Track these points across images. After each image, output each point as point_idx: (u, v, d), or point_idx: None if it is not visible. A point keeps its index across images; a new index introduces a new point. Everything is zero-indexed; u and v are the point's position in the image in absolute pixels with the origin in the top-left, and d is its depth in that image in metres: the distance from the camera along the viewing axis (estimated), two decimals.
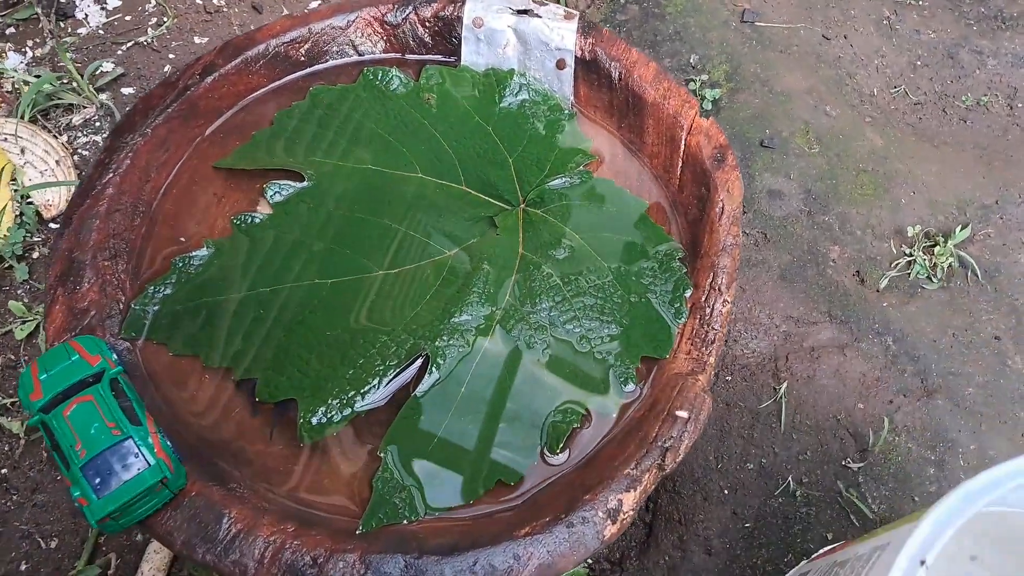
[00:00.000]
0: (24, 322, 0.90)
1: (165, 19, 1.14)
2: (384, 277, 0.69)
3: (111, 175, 0.69)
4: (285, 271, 0.68)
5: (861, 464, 0.85)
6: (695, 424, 0.62)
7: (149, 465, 0.54)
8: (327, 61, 0.80)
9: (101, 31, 1.13)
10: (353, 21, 0.79)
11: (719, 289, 0.69)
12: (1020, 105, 1.14)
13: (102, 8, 1.15)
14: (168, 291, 0.67)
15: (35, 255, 0.95)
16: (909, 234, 0.99)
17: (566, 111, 0.80)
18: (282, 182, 0.72)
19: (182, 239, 0.70)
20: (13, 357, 0.90)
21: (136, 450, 0.54)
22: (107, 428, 0.55)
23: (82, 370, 0.57)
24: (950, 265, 0.97)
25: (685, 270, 0.70)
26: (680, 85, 0.76)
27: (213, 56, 0.75)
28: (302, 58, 0.79)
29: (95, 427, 0.54)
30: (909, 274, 0.97)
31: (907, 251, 0.98)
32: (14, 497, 0.84)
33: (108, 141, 0.70)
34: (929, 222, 1.01)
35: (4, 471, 0.85)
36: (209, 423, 0.63)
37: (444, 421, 0.63)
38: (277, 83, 0.79)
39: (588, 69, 0.79)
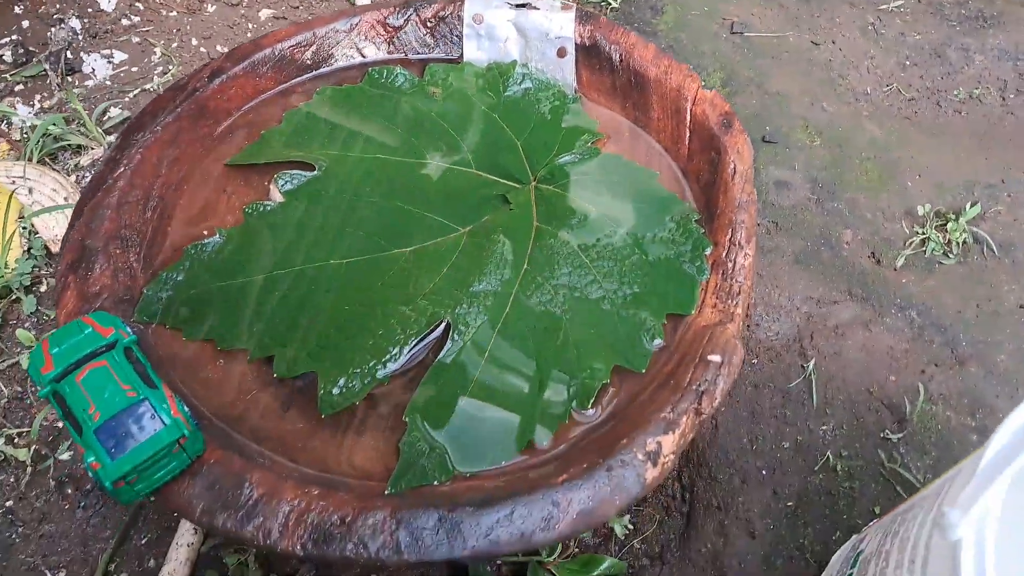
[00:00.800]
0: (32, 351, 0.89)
1: (171, 67, 1.17)
2: (399, 255, 0.68)
3: (122, 169, 0.69)
4: (298, 254, 0.68)
5: (900, 435, 0.82)
6: (728, 368, 0.60)
7: (165, 424, 0.51)
8: (332, 64, 0.82)
9: (108, 82, 1.16)
10: (356, 24, 0.81)
11: (739, 244, 0.68)
12: (1012, 96, 1.15)
13: (108, 61, 1.17)
14: (181, 277, 0.66)
15: (43, 288, 0.94)
16: (920, 214, 0.98)
17: (570, 95, 0.81)
18: (293, 171, 0.73)
19: (200, 231, 0.70)
20: (20, 388, 0.88)
21: (152, 411, 0.52)
22: (122, 390, 0.53)
23: (95, 342, 0.56)
24: (964, 241, 0.96)
25: (703, 230, 0.70)
26: (680, 62, 0.78)
27: (221, 61, 0.76)
28: (308, 61, 0.81)
29: (109, 390, 0.53)
30: (924, 251, 0.96)
31: (919, 230, 0.98)
32: (19, 529, 0.80)
33: (119, 139, 0.71)
34: (938, 202, 1.01)
35: (9, 503, 0.82)
36: (226, 402, 0.61)
37: (468, 385, 0.61)
38: (284, 85, 0.80)
39: (589, 54, 0.80)
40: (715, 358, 0.60)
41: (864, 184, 1.01)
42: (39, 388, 0.55)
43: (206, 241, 0.68)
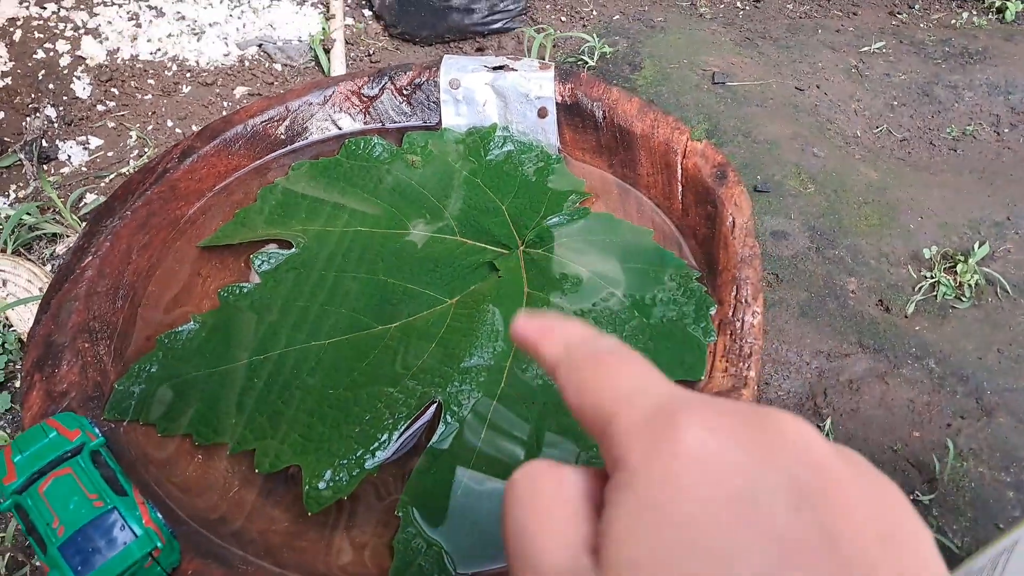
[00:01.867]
0: None
1: (147, 149, 1.15)
2: (384, 331, 0.64)
3: (90, 258, 0.65)
4: (278, 336, 0.64)
5: (932, 496, 0.77)
6: None
7: (137, 536, 0.47)
8: (308, 137, 0.79)
9: (84, 168, 1.13)
10: (330, 96, 0.79)
11: (745, 301, 0.64)
12: (1007, 131, 1.13)
13: (84, 148, 1.16)
14: (154, 369, 0.62)
15: (18, 383, 0.90)
16: (927, 256, 0.95)
17: (553, 156, 0.78)
18: (270, 250, 0.69)
19: (175, 318, 0.66)
20: None
21: (121, 522, 0.47)
22: (88, 500, 0.48)
23: (60, 446, 0.52)
24: (977, 283, 0.92)
25: (705, 289, 0.66)
26: (667, 114, 0.75)
27: (191, 140, 0.74)
28: (282, 136, 0.78)
29: (75, 501, 0.48)
30: (935, 296, 0.92)
31: (928, 274, 0.94)
32: None
33: (87, 226, 0.68)
34: (944, 244, 0.97)
35: None
36: (205, 505, 0.56)
37: (466, 471, 0.57)
38: (258, 162, 0.77)
39: (571, 113, 0.78)
40: None
41: (865, 229, 0.98)
42: (1, 500, 0.51)
43: (180, 329, 0.64)
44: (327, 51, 1.24)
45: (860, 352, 0.88)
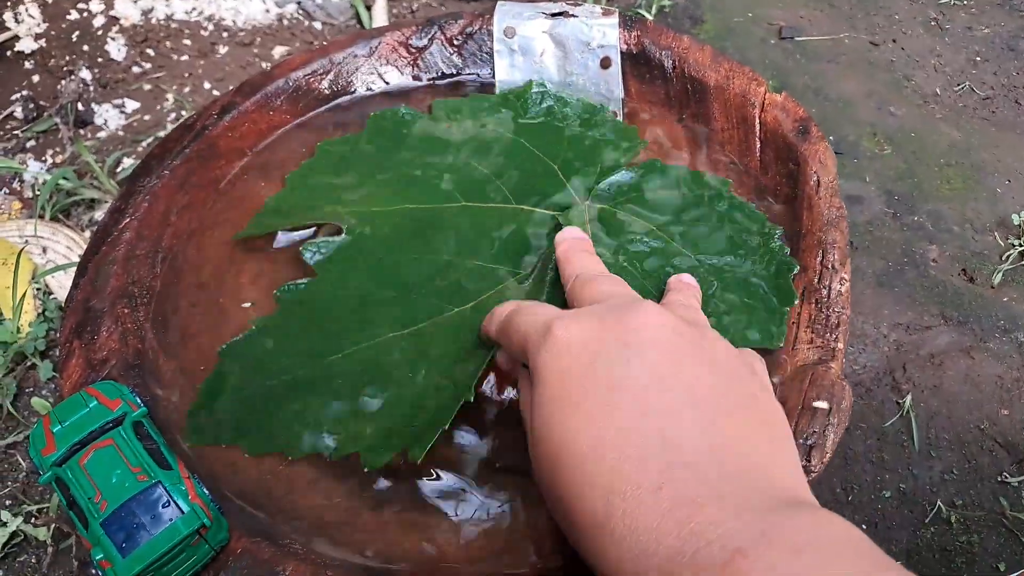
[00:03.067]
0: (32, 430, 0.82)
1: (183, 112, 1.12)
2: (461, 313, 0.59)
3: (128, 219, 0.61)
4: (353, 332, 0.57)
5: (1021, 477, 0.71)
6: (838, 415, 0.51)
7: (183, 513, 0.44)
8: (353, 92, 0.74)
9: (121, 132, 1.10)
10: (376, 48, 0.74)
11: (832, 267, 0.59)
12: None
13: (121, 111, 1.12)
14: (224, 385, 0.55)
15: (58, 351, 0.87)
16: (1015, 223, 0.88)
17: (597, 105, 0.72)
18: (319, 240, 0.62)
19: (219, 285, 0.61)
20: None
21: (167, 497, 0.44)
22: (131, 474, 0.45)
23: (101, 416, 0.48)
24: None
25: (787, 249, 0.60)
26: (742, 64, 0.69)
27: (231, 95, 0.69)
28: (326, 91, 0.73)
29: (117, 474, 0.45)
30: None
31: (1016, 241, 0.87)
32: None
33: (125, 187, 0.64)
34: None
35: None
36: (253, 481, 0.53)
37: None
38: (301, 119, 0.72)
39: (637, 62, 0.72)
40: (821, 404, 0.50)
41: (947, 193, 0.92)
42: (40, 473, 0.48)
43: (238, 337, 0.58)
44: (368, 7, 1.19)
45: (942, 324, 0.82)
